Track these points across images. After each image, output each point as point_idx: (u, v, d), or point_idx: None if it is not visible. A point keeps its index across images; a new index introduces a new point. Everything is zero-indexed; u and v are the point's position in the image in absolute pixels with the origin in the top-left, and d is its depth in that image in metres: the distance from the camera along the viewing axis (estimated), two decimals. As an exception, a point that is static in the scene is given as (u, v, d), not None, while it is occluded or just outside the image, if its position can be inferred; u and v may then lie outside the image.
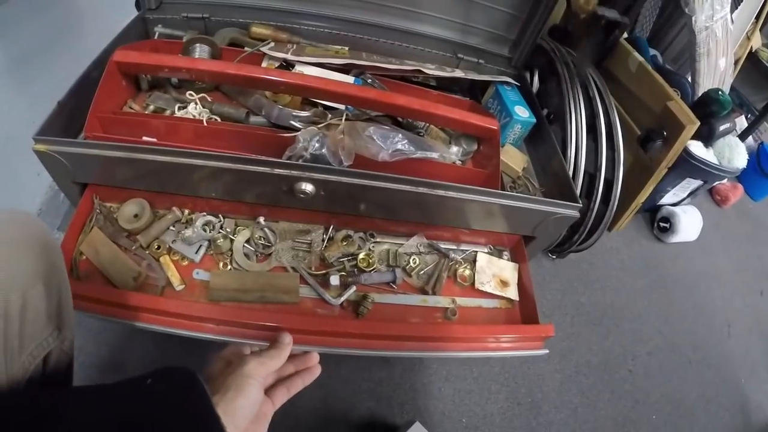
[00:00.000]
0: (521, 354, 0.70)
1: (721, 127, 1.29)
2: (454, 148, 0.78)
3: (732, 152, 1.39)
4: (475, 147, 0.82)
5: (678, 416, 1.14)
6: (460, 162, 0.80)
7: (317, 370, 0.52)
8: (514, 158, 0.85)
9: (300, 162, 0.69)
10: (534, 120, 0.90)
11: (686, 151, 1.26)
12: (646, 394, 1.13)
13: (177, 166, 0.65)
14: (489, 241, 0.81)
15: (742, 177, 1.97)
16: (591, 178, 0.96)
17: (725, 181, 1.80)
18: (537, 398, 1.00)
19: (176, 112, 0.82)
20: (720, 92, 1.25)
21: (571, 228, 1.02)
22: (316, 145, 0.71)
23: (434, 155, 0.74)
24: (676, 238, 1.47)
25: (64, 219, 0.97)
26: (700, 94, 1.31)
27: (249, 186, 0.69)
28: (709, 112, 1.26)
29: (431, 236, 0.77)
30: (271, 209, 0.73)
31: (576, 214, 0.75)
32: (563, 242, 1.05)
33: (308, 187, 0.66)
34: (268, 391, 0.47)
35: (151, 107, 0.82)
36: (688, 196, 1.51)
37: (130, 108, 0.82)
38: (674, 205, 1.53)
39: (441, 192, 0.67)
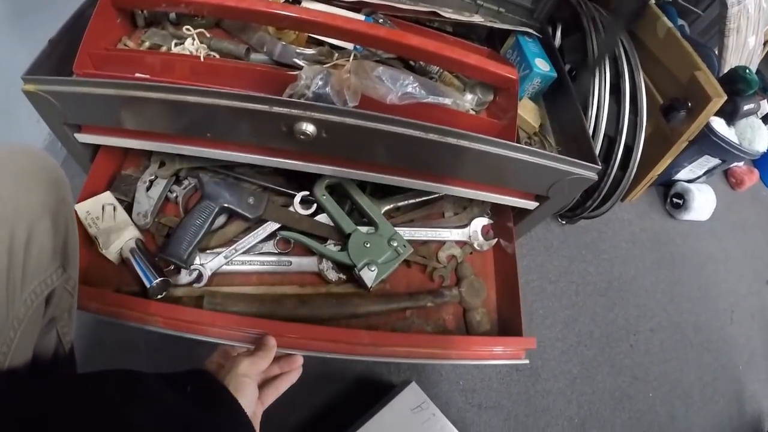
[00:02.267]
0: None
1: (746, 107, 1.24)
2: (469, 96, 0.72)
3: (754, 134, 1.34)
4: (491, 97, 0.76)
5: (675, 396, 1.13)
6: (474, 112, 0.74)
7: (300, 371, 0.56)
8: (531, 113, 0.79)
9: (301, 101, 0.65)
10: (555, 75, 0.84)
11: (708, 127, 1.22)
12: (645, 371, 1.12)
13: (169, 103, 0.60)
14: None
15: (759, 163, 1.92)
16: (610, 141, 0.90)
17: (742, 164, 1.74)
18: (536, 365, 0.98)
19: (173, 48, 0.77)
20: (747, 70, 1.21)
21: (586, 192, 0.98)
22: (320, 83, 0.66)
23: (447, 101, 0.68)
24: (688, 215, 1.43)
25: (62, 166, 0.95)
26: (726, 71, 1.25)
27: (246, 126, 0.64)
28: (735, 89, 1.21)
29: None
30: (270, 152, 0.68)
31: (594, 176, 0.71)
32: (575, 207, 1.01)
33: (309, 128, 0.61)
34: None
35: (147, 44, 0.78)
36: (704, 174, 1.46)
37: (125, 45, 0.77)
38: (689, 181, 1.48)
39: (452, 140, 0.62)
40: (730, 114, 1.25)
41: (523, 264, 1.13)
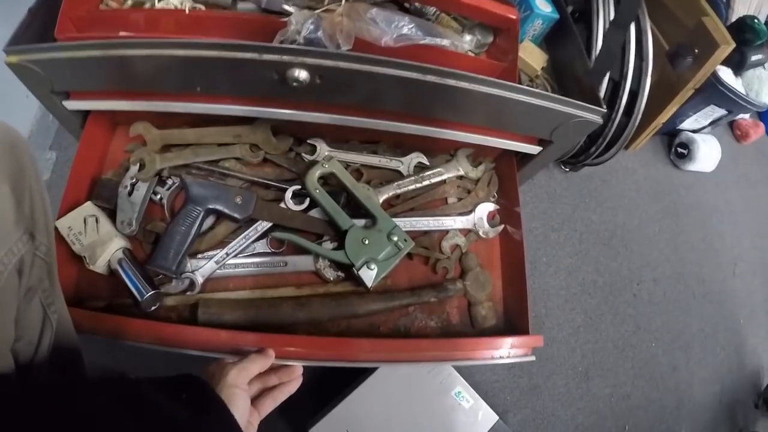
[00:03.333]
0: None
1: (753, 57, 1.22)
2: (467, 37, 0.69)
3: (761, 86, 1.32)
4: (491, 39, 0.73)
5: (676, 347, 1.15)
6: (473, 54, 0.72)
7: (300, 380, 0.55)
8: (533, 56, 0.76)
9: (292, 46, 0.62)
10: (557, 16, 0.80)
11: (715, 76, 1.19)
12: (648, 321, 1.13)
13: (156, 59, 0.58)
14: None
15: (765, 116, 1.88)
16: (615, 86, 0.87)
17: (748, 116, 1.71)
18: (541, 314, 0.99)
19: (156, 4, 0.74)
20: (756, 20, 1.19)
21: (589, 138, 0.96)
22: (311, 27, 0.63)
23: (445, 42, 0.65)
24: (693, 166, 1.41)
25: (54, 138, 0.98)
26: (733, 20, 1.22)
27: (237, 76, 0.62)
28: (743, 39, 1.18)
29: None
30: (264, 102, 0.66)
31: (599, 119, 0.69)
32: (579, 153, 0.99)
33: (302, 74, 0.59)
34: (254, 401, 0.51)
35: (129, 2, 0.74)
36: (709, 124, 1.44)
37: (107, 5, 0.74)
38: (694, 132, 1.45)
39: (452, 81, 0.60)
40: (737, 64, 1.23)
41: (526, 211, 1.12)
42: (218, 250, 0.68)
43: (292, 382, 0.55)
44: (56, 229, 0.63)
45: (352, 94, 0.62)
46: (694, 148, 1.38)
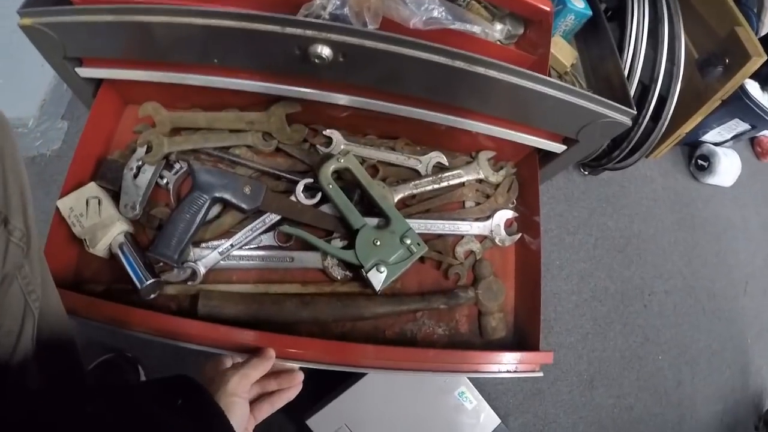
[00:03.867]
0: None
1: None
2: (498, 26, 0.66)
3: None
4: (521, 30, 0.70)
5: (683, 362, 1.13)
6: (502, 45, 0.69)
7: (300, 387, 0.54)
8: (563, 51, 0.73)
9: (317, 21, 0.59)
10: (590, 13, 0.77)
11: (742, 89, 1.16)
12: (657, 333, 1.11)
13: (172, 27, 0.56)
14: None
15: (786, 135, 1.85)
16: (644, 89, 0.84)
17: (769, 133, 1.68)
18: (550, 317, 0.97)
19: (177, -30, 0.71)
20: None
21: (613, 142, 0.93)
22: (337, 3, 0.60)
23: (475, 29, 0.63)
24: (712, 179, 1.38)
25: (67, 108, 0.98)
26: (763, 33, 1.17)
27: (257, 49, 0.59)
28: None
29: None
30: (283, 79, 0.64)
31: (628, 121, 0.66)
32: (601, 156, 0.96)
33: (325, 51, 0.56)
34: (252, 405, 0.49)
35: None
36: (732, 138, 1.41)
37: None
38: (716, 144, 1.42)
39: (481, 69, 0.57)
40: (765, 78, 1.20)
41: (543, 212, 1.07)
42: (223, 241, 0.65)
43: (291, 389, 0.53)
44: (57, 209, 0.61)
45: (375, 75, 0.60)
46: (714, 161, 1.36)
